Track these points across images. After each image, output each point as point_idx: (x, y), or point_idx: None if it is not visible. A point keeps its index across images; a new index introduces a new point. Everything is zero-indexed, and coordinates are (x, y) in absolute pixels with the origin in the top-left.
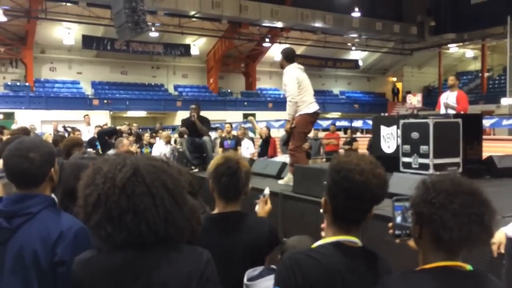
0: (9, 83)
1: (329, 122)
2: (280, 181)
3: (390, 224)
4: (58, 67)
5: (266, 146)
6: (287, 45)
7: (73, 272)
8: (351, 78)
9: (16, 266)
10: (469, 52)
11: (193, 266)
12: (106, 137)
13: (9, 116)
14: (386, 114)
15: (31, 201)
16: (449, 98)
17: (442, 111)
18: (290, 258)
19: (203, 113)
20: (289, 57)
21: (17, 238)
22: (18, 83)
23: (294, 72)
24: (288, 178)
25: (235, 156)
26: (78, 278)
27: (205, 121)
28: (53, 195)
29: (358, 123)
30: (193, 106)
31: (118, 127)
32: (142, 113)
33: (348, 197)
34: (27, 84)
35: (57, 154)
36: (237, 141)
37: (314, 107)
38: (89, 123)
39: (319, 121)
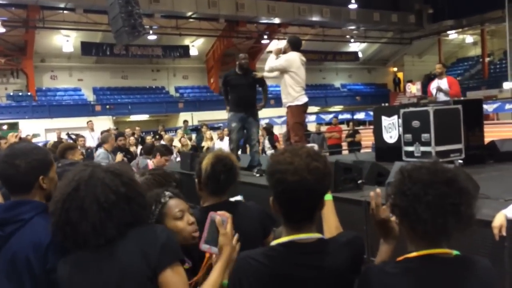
0: (11, 94)
1: (331, 115)
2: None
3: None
4: (59, 75)
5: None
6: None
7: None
8: (351, 70)
9: (9, 273)
10: (469, 38)
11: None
12: None
13: (13, 126)
14: (387, 105)
15: (23, 208)
16: (441, 85)
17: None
18: (239, 262)
19: (206, 113)
20: (294, 46)
21: (10, 245)
22: (20, 93)
23: (292, 57)
24: None
25: (224, 153)
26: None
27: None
28: None
29: (360, 115)
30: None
31: None
32: (144, 117)
33: (287, 199)
34: (29, 93)
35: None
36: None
37: (304, 98)
38: (92, 129)
39: (322, 115)
